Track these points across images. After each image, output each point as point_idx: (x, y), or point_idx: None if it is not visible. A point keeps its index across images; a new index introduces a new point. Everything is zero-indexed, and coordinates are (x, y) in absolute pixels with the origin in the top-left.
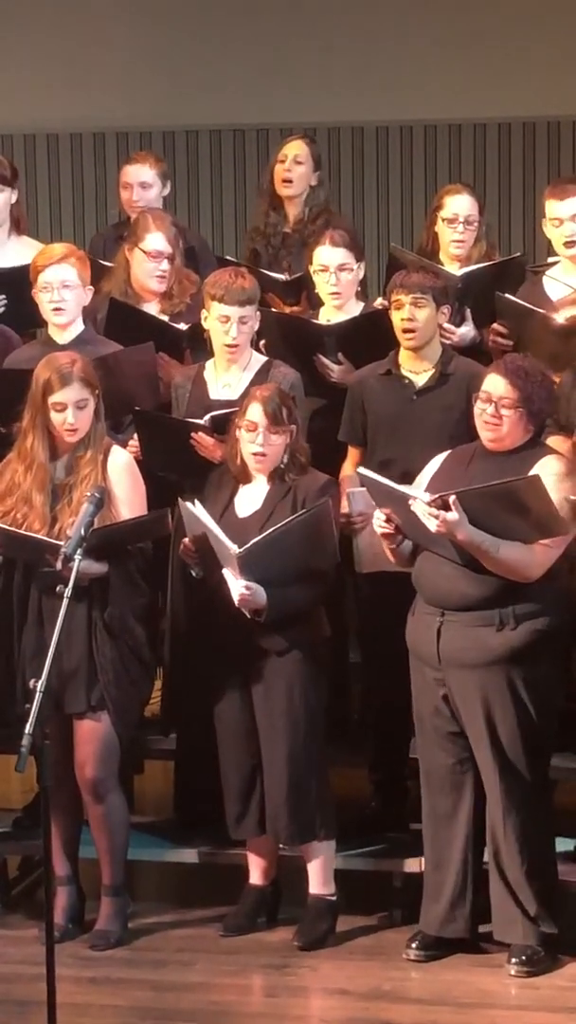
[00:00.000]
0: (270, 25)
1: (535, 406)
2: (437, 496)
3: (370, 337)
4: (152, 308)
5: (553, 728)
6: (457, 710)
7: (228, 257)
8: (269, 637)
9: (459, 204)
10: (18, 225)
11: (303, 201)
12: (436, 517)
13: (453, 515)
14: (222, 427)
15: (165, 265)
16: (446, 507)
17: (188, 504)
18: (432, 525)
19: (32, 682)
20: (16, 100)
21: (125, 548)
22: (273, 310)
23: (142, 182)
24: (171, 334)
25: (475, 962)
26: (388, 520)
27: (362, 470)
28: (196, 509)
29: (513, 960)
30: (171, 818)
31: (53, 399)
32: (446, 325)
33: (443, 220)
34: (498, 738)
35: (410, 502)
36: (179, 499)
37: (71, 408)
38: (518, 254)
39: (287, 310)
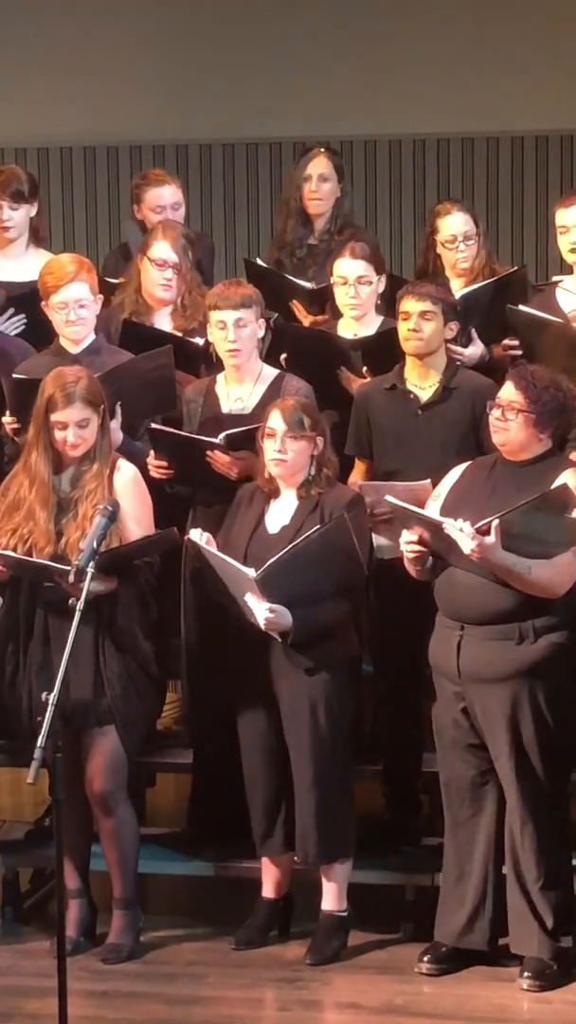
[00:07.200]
0: (281, 39)
1: (542, 412)
2: (483, 523)
3: (395, 351)
4: (164, 321)
5: (573, 742)
6: (477, 723)
7: (259, 261)
8: (296, 655)
9: (454, 224)
10: (36, 236)
11: (330, 213)
12: (473, 539)
13: (491, 539)
14: (236, 445)
15: (170, 274)
16: (484, 531)
17: (196, 536)
18: (468, 548)
19: (44, 695)
20: (30, 113)
21: (133, 564)
22: (295, 324)
23: (174, 203)
24: (187, 350)
25: (487, 976)
26: (419, 541)
27: (389, 498)
28: (203, 542)
29: (525, 974)
30: (183, 831)
31: (55, 418)
32: (455, 347)
33: (443, 244)
34: (518, 751)
35: (445, 526)
36: (188, 532)
37: (72, 427)
38: (516, 267)
39: (309, 320)
